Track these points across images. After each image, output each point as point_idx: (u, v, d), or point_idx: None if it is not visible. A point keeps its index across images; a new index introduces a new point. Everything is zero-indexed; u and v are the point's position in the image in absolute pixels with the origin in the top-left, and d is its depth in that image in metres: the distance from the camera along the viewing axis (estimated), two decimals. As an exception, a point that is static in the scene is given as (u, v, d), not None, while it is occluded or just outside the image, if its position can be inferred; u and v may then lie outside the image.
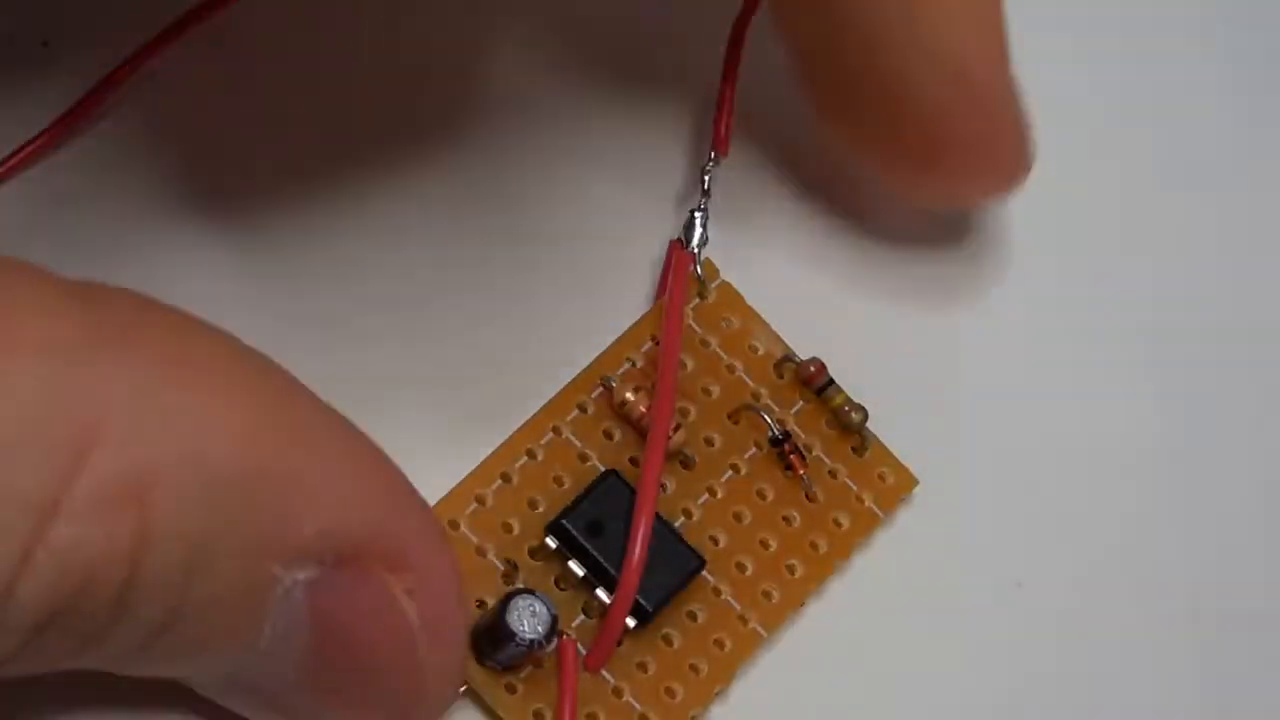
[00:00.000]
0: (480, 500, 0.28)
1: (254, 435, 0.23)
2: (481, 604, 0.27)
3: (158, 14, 0.30)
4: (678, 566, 0.28)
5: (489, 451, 0.28)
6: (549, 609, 0.26)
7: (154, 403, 0.22)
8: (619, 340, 0.29)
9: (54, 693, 0.26)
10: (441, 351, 0.30)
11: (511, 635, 0.26)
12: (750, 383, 0.29)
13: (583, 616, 0.28)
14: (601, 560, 0.27)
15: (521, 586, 0.27)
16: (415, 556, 0.24)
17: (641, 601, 0.27)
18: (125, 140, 0.30)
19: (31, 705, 0.26)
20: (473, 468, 0.28)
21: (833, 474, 0.29)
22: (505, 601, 0.26)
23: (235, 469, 0.22)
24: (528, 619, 0.26)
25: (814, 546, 0.29)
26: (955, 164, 0.29)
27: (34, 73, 0.30)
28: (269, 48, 0.31)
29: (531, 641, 0.26)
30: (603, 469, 0.28)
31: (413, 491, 0.25)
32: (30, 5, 0.30)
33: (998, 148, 0.29)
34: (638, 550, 0.27)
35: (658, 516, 0.28)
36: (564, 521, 0.28)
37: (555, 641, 0.27)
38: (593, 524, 0.28)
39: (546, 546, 0.28)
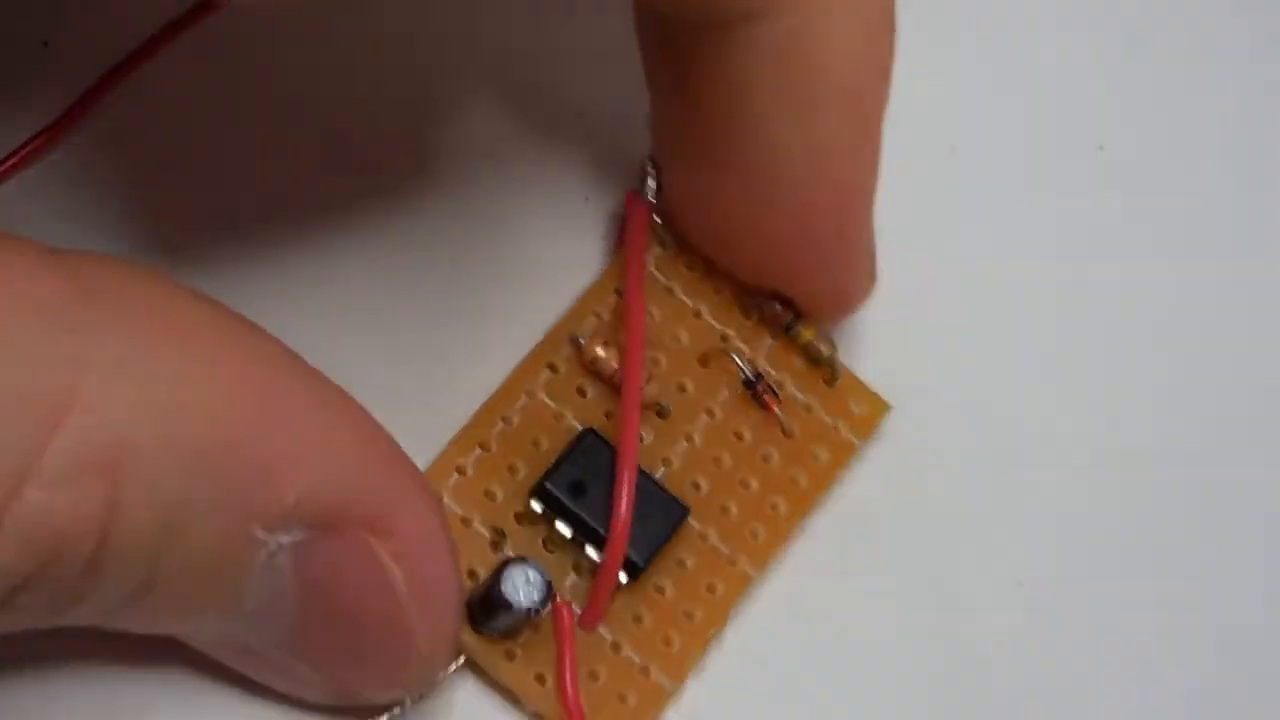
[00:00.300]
0: (460, 470, 0.28)
1: (232, 404, 0.23)
2: (473, 574, 0.28)
3: (155, 15, 0.30)
4: (664, 517, 0.28)
5: (465, 421, 0.28)
6: (542, 575, 0.27)
7: (130, 370, 0.22)
8: (583, 296, 0.29)
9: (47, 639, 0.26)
10: (404, 327, 0.30)
11: (508, 604, 0.26)
12: (718, 326, 0.30)
13: (574, 576, 0.28)
14: (587, 519, 0.28)
15: (511, 555, 0.27)
16: (401, 520, 0.24)
17: (631, 556, 0.28)
18: (120, 140, 0.30)
19: (27, 650, 0.27)
20: (450, 438, 0.28)
21: (807, 408, 0.29)
22: (499, 571, 0.27)
23: (212, 438, 0.23)
24: (522, 586, 0.27)
25: (794, 482, 0.29)
26: (794, 286, 0.29)
27: (34, 71, 0.30)
28: (254, 54, 0.30)
29: (528, 609, 0.27)
30: (580, 428, 0.28)
31: (399, 455, 0.25)
32: (30, 5, 0.30)
33: (837, 281, 0.29)
34: (625, 505, 0.27)
35: (640, 469, 0.28)
36: (546, 484, 0.28)
37: (549, 605, 0.27)
38: (575, 484, 0.28)
39: (531, 510, 0.28)
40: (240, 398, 0.23)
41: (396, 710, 0.27)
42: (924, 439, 0.30)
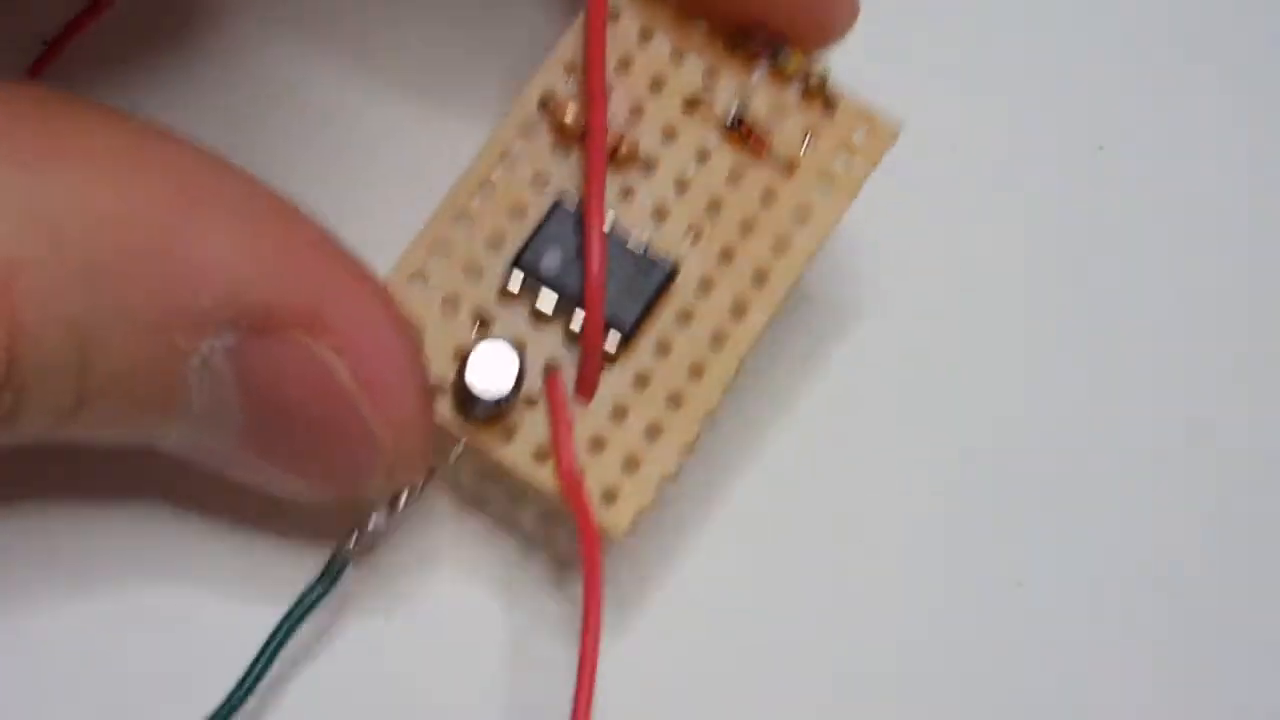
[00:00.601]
0: (441, 248, 0.27)
1: (131, 211, 0.23)
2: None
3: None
4: (647, 275, 0.27)
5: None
6: (514, 354, 0.26)
7: (15, 188, 0.22)
8: (555, 53, 0.28)
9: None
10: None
11: (475, 396, 0.26)
12: (703, 64, 0.28)
13: (566, 350, 0.27)
14: (566, 287, 0.26)
15: (481, 337, 0.26)
16: (337, 314, 0.24)
17: (618, 316, 0.26)
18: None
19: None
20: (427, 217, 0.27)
21: (806, 142, 0.28)
22: (464, 357, 0.26)
23: (110, 246, 0.23)
24: (490, 370, 0.26)
25: (801, 217, 0.27)
26: (775, 10, 0.27)
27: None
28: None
29: (499, 396, 0.26)
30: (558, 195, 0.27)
31: (330, 247, 0.24)
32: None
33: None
34: (595, 263, 0.26)
35: (612, 231, 0.27)
36: (524, 257, 0.27)
37: (539, 381, 0.26)
38: (552, 253, 0.27)
39: (512, 287, 0.27)
40: (140, 205, 0.23)
41: (378, 518, 0.26)
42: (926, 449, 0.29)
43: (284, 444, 0.25)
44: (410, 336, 0.25)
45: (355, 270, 0.25)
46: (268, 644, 0.26)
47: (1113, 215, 0.31)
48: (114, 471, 0.27)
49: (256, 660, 0.26)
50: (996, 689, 0.28)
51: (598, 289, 0.26)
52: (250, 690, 0.26)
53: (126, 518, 0.28)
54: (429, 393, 0.25)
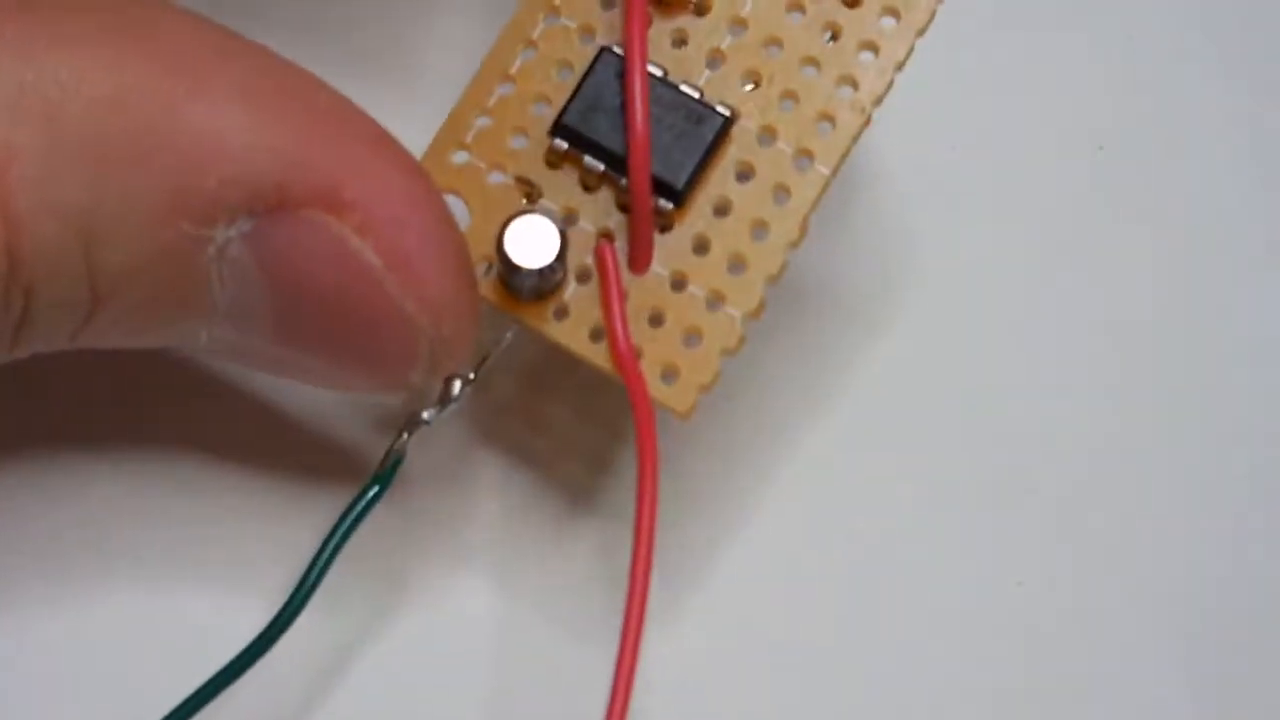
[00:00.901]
0: (484, 113, 0.25)
1: (128, 92, 0.22)
2: (506, 228, 0.25)
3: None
4: (701, 126, 0.25)
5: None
6: (554, 223, 0.24)
7: (7, 73, 0.21)
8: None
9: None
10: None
11: (514, 267, 0.24)
12: None
13: (619, 215, 0.25)
14: (609, 146, 0.24)
15: (525, 207, 0.24)
16: (358, 191, 0.22)
17: (663, 176, 0.24)
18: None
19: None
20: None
21: (877, -33, 0.25)
22: (502, 229, 0.24)
23: (106, 131, 0.21)
24: (530, 244, 0.24)
25: (873, 46, 0.25)
26: None
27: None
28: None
29: (542, 269, 0.24)
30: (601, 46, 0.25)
31: (350, 120, 0.23)
32: None
33: None
34: (639, 117, 0.24)
35: (661, 78, 0.25)
36: (563, 119, 0.25)
37: (568, 256, 0.24)
38: (594, 111, 0.25)
39: (557, 149, 0.25)
40: (140, 83, 0.22)
41: (430, 412, 0.25)
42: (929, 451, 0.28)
43: (318, 334, 0.23)
44: (442, 209, 0.23)
45: (378, 141, 0.23)
46: (324, 545, 0.25)
47: (1113, 215, 0.29)
48: (109, 469, 0.27)
49: (313, 564, 0.25)
50: (996, 689, 0.27)
51: (643, 147, 0.24)
52: (308, 596, 0.25)
53: (123, 517, 0.27)
54: (469, 270, 0.24)
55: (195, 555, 0.27)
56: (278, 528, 0.27)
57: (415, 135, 0.25)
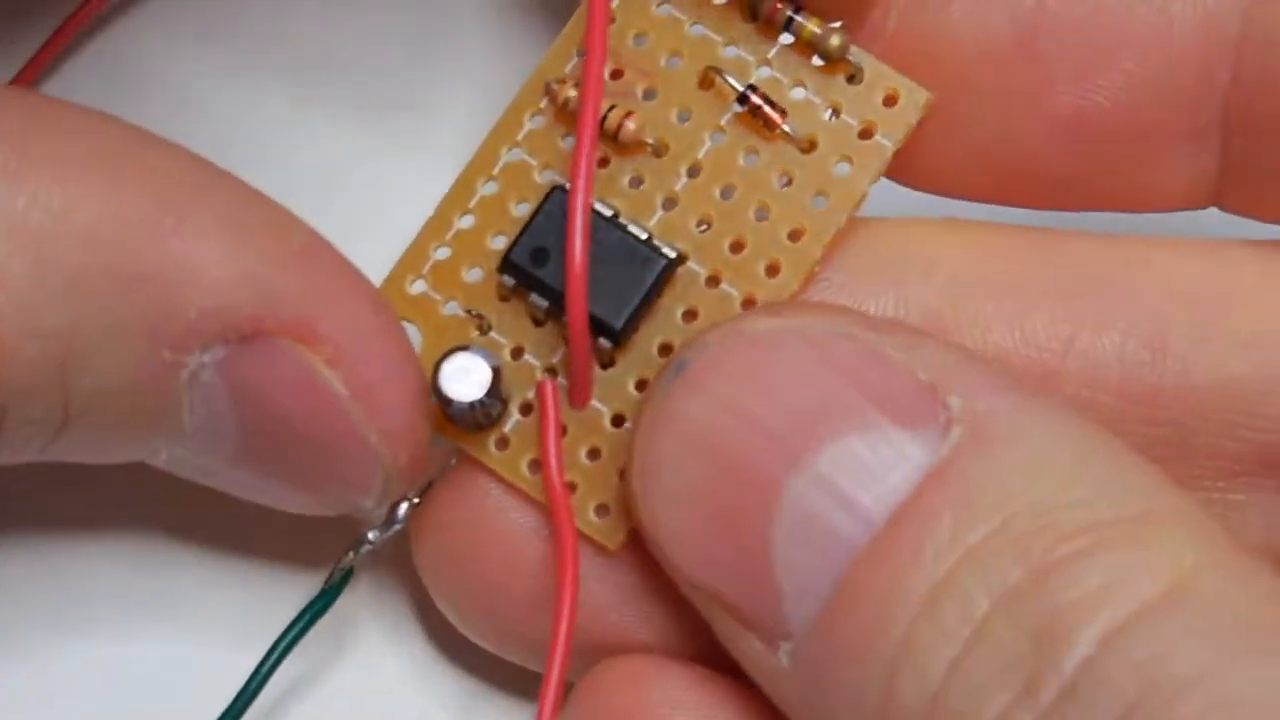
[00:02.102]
0: (442, 245, 0.26)
1: (115, 224, 0.22)
2: (455, 362, 0.25)
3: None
4: (640, 268, 0.25)
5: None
6: (488, 361, 0.24)
7: (4, 200, 0.22)
8: (562, 37, 0.26)
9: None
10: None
11: (448, 401, 0.24)
12: (718, 39, 0.26)
13: (564, 350, 0.25)
14: (554, 287, 0.25)
15: (458, 344, 0.25)
16: (328, 322, 0.23)
17: (601, 316, 0.25)
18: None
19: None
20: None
21: (833, 111, 0.25)
22: (437, 365, 0.25)
23: (95, 261, 0.22)
24: (463, 380, 0.24)
25: (818, 201, 0.25)
26: None
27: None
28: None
29: (473, 404, 0.24)
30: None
31: (321, 254, 0.24)
32: None
33: None
34: (577, 256, 0.24)
35: (610, 218, 0.25)
36: (510, 256, 0.25)
37: (501, 393, 0.25)
38: (539, 250, 0.25)
39: (506, 284, 0.25)
40: (125, 216, 0.23)
41: (377, 531, 0.26)
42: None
43: (279, 458, 0.24)
44: (404, 342, 0.24)
45: (347, 277, 0.24)
46: (267, 656, 0.26)
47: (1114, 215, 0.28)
48: (103, 509, 0.28)
49: (254, 675, 0.26)
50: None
51: (579, 288, 0.24)
52: (249, 703, 0.25)
53: (119, 560, 0.28)
54: (423, 400, 0.24)
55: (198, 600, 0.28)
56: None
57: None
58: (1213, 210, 0.27)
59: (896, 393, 0.22)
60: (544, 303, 0.25)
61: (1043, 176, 0.26)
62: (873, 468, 0.22)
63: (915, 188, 0.26)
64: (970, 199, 0.27)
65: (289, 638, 0.26)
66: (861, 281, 0.25)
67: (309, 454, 0.24)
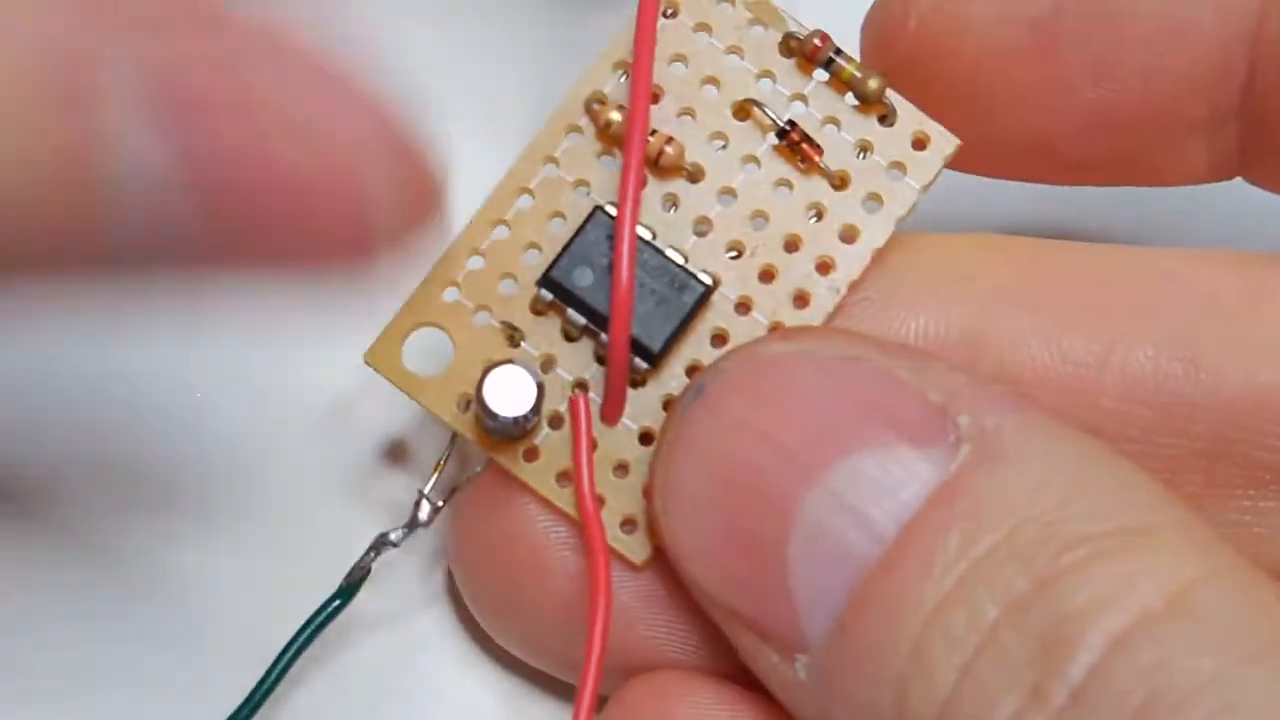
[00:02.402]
0: (477, 255, 0.26)
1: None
2: (491, 370, 0.26)
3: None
4: (682, 293, 0.26)
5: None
6: (532, 376, 0.25)
7: None
8: (602, 55, 0.27)
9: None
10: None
11: (492, 413, 0.25)
12: (754, 70, 0.27)
13: (596, 367, 0.26)
14: (594, 304, 0.26)
15: (504, 357, 0.26)
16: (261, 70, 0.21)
17: (642, 339, 0.25)
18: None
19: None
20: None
21: (863, 151, 0.26)
22: (482, 378, 0.25)
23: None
24: (507, 393, 0.25)
25: (849, 237, 0.26)
26: None
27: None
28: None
29: (516, 418, 0.25)
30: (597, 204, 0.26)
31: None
32: None
33: None
34: (624, 277, 0.25)
35: (648, 242, 0.26)
36: (551, 273, 0.26)
37: (539, 407, 0.25)
38: (585, 266, 0.26)
39: (543, 299, 0.26)
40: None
41: (397, 532, 0.26)
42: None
43: (229, 205, 0.21)
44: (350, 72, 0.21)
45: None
46: (284, 653, 0.26)
47: (1113, 216, 0.30)
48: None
49: (270, 670, 0.26)
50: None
51: (624, 311, 0.25)
52: (264, 699, 0.26)
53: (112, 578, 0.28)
54: (391, 112, 0.21)
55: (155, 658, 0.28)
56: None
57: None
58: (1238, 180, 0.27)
59: (906, 413, 0.23)
60: (581, 320, 0.26)
61: (1066, 159, 0.27)
62: (884, 485, 0.23)
63: None
64: (993, 177, 0.28)
65: (303, 637, 0.26)
66: (901, 299, 0.26)
67: (264, 205, 0.21)
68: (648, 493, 0.25)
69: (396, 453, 0.29)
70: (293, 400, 0.29)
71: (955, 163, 0.26)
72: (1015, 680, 0.21)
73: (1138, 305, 0.26)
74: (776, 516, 0.23)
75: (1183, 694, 0.21)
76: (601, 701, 0.25)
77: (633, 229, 0.25)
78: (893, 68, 0.26)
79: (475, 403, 0.25)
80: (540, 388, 0.25)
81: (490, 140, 0.28)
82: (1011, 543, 0.22)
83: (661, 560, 0.26)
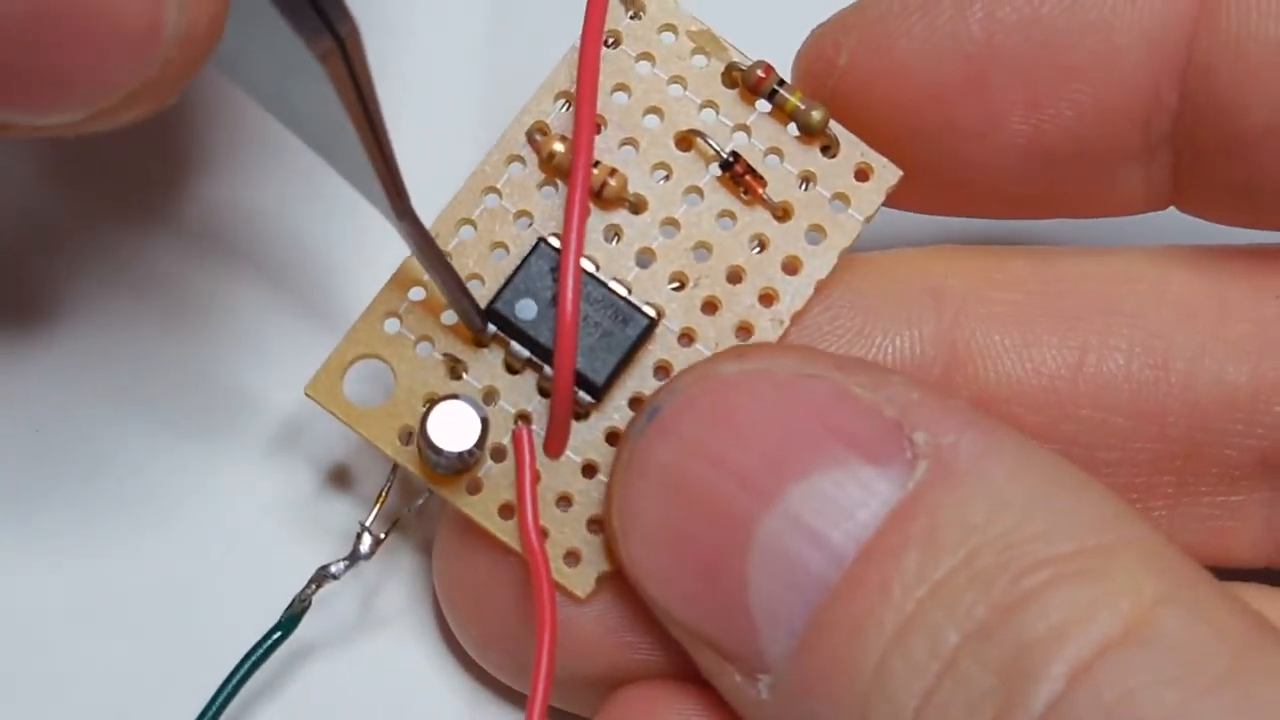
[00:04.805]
0: (419, 286, 0.26)
1: None
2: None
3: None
4: (625, 329, 0.26)
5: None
6: (476, 410, 0.25)
7: None
8: (544, 85, 0.27)
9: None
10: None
11: (437, 449, 0.25)
12: (697, 100, 0.26)
13: (539, 400, 0.26)
14: (537, 337, 0.26)
15: (448, 393, 0.25)
16: None
17: (586, 372, 0.25)
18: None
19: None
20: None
21: (806, 182, 0.26)
22: (425, 413, 0.25)
23: None
24: (451, 428, 0.25)
25: (792, 268, 0.26)
26: None
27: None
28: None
29: (460, 453, 0.25)
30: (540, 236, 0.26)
31: None
32: None
33: None
34: (568, 310, 0.25)
35: (591, 274, 0.26)
36: (494, 305, 0.26)
37: (484, 441, 0.25)
38: (528, 299, 0.26)
39: (486, 333, 0.26)
40: None
41: (338, 565, 0.26)
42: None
43: None
44: None
45: None
46: (224, 686, 0.26)
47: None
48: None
49: (212, 702, 0.26)
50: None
51: (569, 345, 0.25)
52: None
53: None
54: None
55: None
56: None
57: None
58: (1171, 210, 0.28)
59: (863, 430, 0.23)
60: (525, 353, 0.26)
61: (1002, 193, 0.27)
62: (842, 504, 0.23)
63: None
64: (929, 213, 0.28)
65: (243, 670, 0.26)
66: (875, 318, 0.26)
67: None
68: (604, 516, 0.25)
69: (341, 480, 0.28)
70: (240, 428, 0.28)
71: (891, 200, 0.26)
72: (977, 710, 0.21)
73: (1105, 311, 0.26)
74: (735, 538, 0.23)
75: None
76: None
77: (577, 263, 0.25)
78: (826, 103, 0.26)
79: (419, 437, 0.25)
80: (485, 422, 0.25)
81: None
82: (970, 566, 0.22)
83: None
